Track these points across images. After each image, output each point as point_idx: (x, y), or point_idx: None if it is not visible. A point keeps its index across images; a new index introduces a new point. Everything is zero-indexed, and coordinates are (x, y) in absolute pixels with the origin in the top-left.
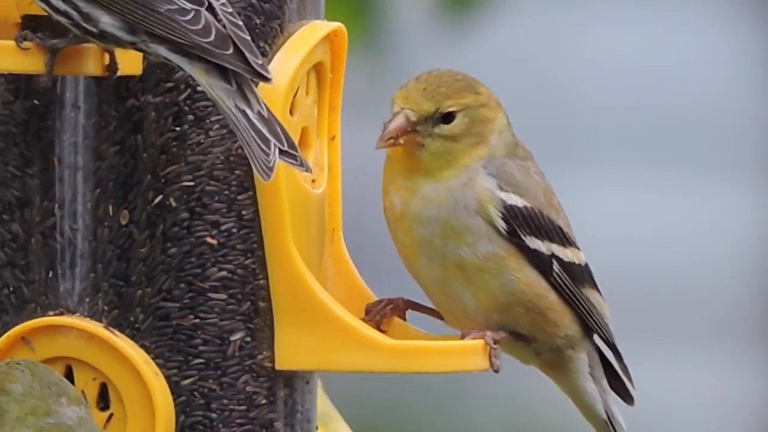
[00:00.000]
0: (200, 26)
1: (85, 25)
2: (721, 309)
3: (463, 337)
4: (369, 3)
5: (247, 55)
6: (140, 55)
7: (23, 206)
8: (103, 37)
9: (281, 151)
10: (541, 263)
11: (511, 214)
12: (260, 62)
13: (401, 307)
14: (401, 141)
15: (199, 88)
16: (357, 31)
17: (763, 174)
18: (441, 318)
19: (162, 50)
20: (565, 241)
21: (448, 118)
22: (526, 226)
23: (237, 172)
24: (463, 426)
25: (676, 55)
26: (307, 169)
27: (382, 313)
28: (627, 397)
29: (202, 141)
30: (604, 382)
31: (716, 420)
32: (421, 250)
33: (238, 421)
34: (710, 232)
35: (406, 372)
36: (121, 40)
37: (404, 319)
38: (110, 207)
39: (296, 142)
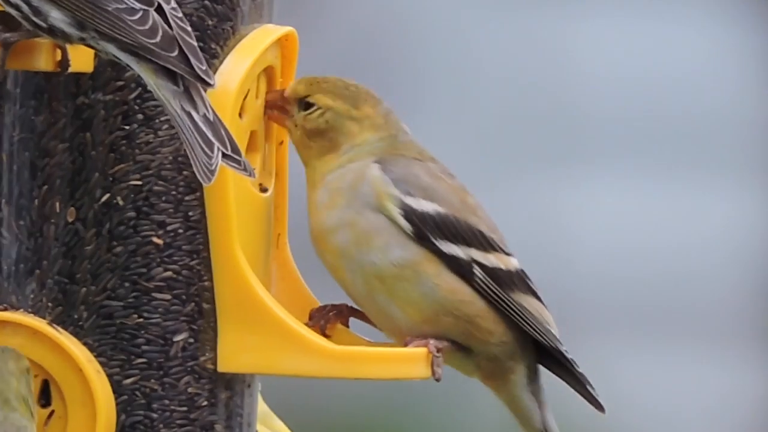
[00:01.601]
0: (147, 27)
1: (34, 18)
2: (723, 310)
3: (406, 345)
4: None
5: (192, 60)
6: (92, 52)
7: None
8: (52, 32)
9: (224, 155)
10: (460, 269)
11: (420, 218)
12: (204, 68)
13: (345, 313)
14: (272, 113)
15: (149, 88)
16: None
17: (764, 176)
18: None
19: (111, 48)
20: (488, 246)
21: (308, 107)
22: (439, 231)
23: (185, 172)
24: (459, 429)
25: (676, 55)
26: (251, 174)
27: (326, 319)
28: (595, 403)
29: (150, 140)
30: (542, 395)
31: (718, 420)
32: (344, 264)
33: (178, 421)
34: (712, 234)
35: (347, 377)
36: (70, 36)
37: (347, 326)
38: (57, 204)
39: (245, 144)
